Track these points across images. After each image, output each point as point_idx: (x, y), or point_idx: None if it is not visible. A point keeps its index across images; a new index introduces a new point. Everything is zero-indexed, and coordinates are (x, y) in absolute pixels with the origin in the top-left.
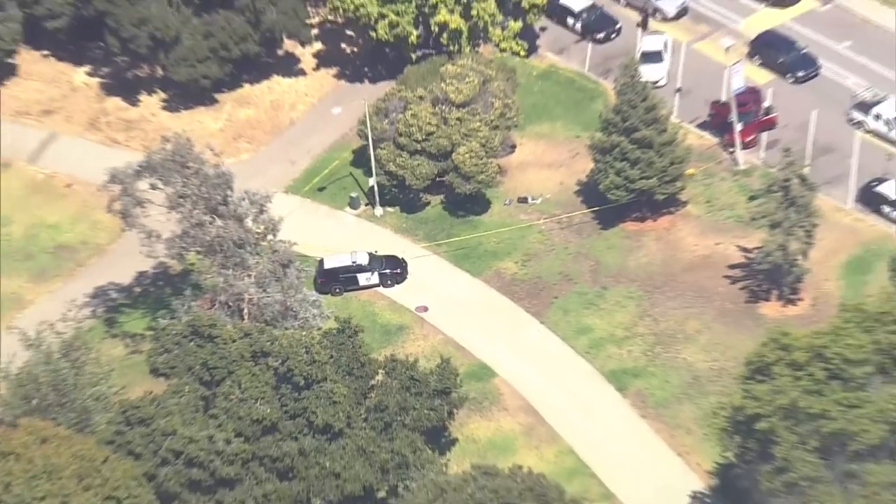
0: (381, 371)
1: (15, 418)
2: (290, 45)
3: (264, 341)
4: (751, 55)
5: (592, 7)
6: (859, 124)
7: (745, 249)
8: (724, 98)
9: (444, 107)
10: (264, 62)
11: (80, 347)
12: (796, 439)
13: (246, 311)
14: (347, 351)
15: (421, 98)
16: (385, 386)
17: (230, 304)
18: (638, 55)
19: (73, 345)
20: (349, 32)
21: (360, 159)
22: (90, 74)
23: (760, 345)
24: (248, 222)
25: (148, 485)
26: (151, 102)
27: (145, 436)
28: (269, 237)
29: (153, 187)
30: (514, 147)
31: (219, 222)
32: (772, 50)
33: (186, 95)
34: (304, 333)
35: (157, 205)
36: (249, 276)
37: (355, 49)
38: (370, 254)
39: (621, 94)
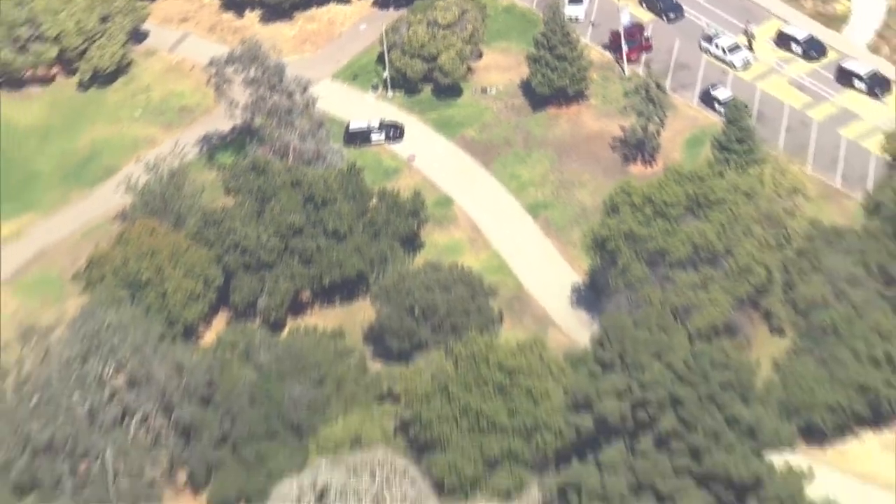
0: (374, 197)
1: (134, 218)
2: None
3: (299, 175)
4: (640, 2)
5: None
6: (706, 51)
7: (622, 129)
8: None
9: (434, 27)
10: None
11: (183, 173)
12: (632, 254)
13: (290, 155)
14: (353, 184)
15: (419, 21)
16: (376, 207)
17: (280, 150)
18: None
19: (179, 171)
20: None
21: (380, 60)
22: None
23: (612, 192)
24: (296, 97)
25: (216, 266)
26: (252, 16)
27: (217, 233)
28: (309, 107)
29: (236, 71)
30: (481, 55)
31: (275, 97)
32: None
33: (274, 13)
34: (326, 171)
35: (237, 83)
36: (294, 132)
37: None
38: (380, 120)
39: (546, 25)
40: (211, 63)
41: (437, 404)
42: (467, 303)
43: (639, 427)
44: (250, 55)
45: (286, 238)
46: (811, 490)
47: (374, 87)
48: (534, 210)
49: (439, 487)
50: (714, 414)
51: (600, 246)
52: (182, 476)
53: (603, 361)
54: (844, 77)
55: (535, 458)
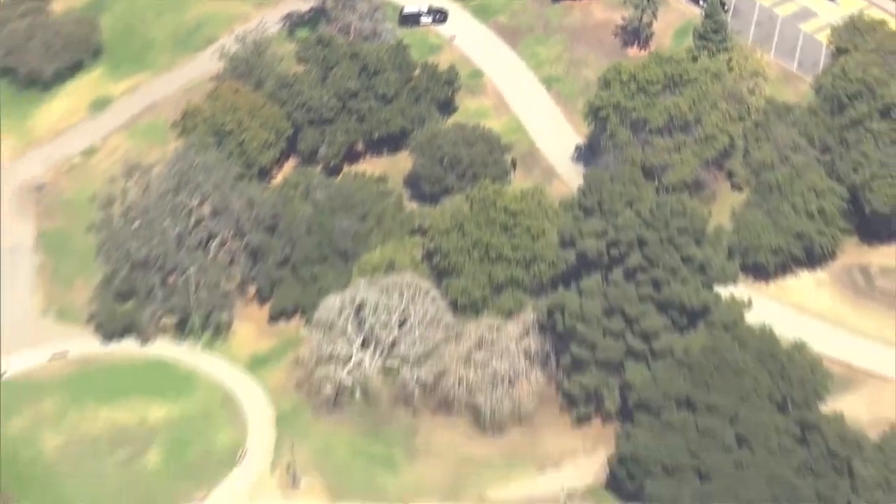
0: (418, 69)
1: (224, 80)
2: None
3: (357, 49)
4: None
5: None
6: None
7: (623, 19)
8: None
9: None
10: None
11: (266, 44)
12: (618, 121)
13: (351, 32)
14: (400, 57)
15: None
16: (419, 77)
17: (344, 28)
18: None
19: (262, 43)
20: None
21: None
22: None
23: (605, 70)
24: None
25: (286, 120)
26: None
27: (289, 94)
28: None
29: None
30: None
31: None
32: None
33: None
34: (379, 46)
35: None
36: (355, 13)
37: None
38: (429, 6)
39: None
40: None
41: (455, 238)
42: (486, 157)
43: (612, 262)
44: None
45: (344, 100)
46: (754, 317)
47: None
48: (548, 83)
49: (454, 306)
50: (672, 253)
51: (595, 114)
52: (251, 290)
53: (585, 208)
54: None
55: (532, 284)
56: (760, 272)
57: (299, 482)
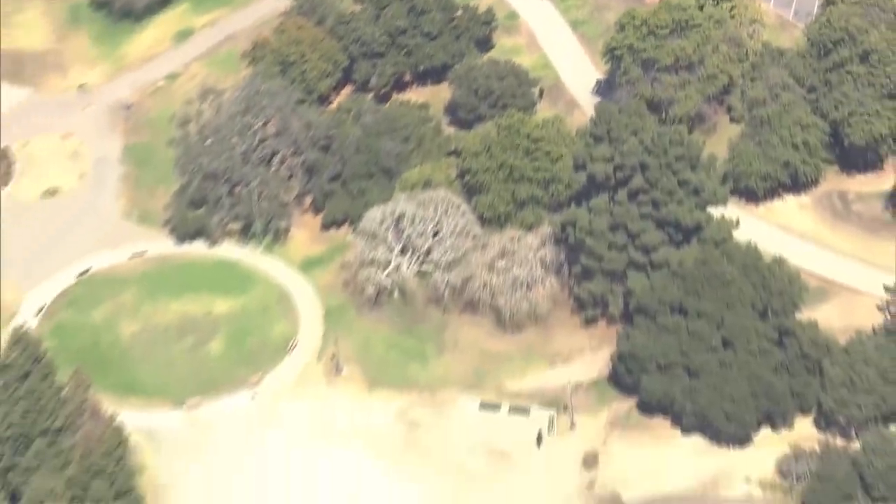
0: (459, 10)
1: (290, 16)
2: None
3: None
4: None
5: None
6: None
7: None
8: None
9: None
10: None
11: None
12: (631, 60)
13: None
14: None
15: None
16: (460, 17)
17: None
18: None
19: None
20: None
21: None
22: None
23: (620, 16)
24: None
25: (343, 53)
26: None
27: (346, 30)
28: None
29: None
30: None
31: None
32: None
33: None
34: None
35: None
36: None
37: None
38: None
39: None
40: None
41: (483, 160)
42: (515, 89)
43: (617, 184)
44: None
45: (394, 36)
46: (744, 234)
47: None
48: (574, 25)
49: (481, 219)
50: (670, 177)
51: (611, 53)
52: (306, 201)
53: (595, 136)
54: None
55: (550, 201)
56: (751, 196)
57: (342, 370)
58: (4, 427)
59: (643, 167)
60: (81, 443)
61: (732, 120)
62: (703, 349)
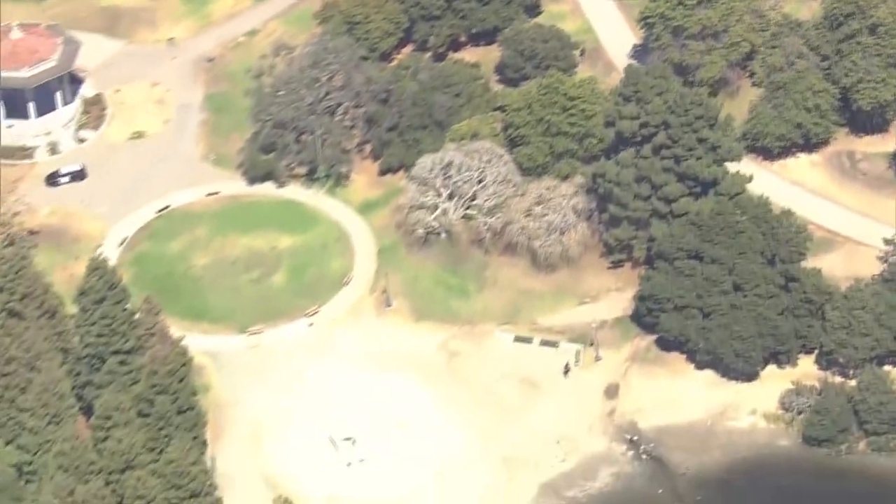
0: None
1: None
2: None
3: None
4: None
5: None
6: None
7: None
8: None
9: None
10: None
11: None
12: (662, 27)
13: None
14: None
15: None
16: None
17: None
18: None
19: None
20: None
21: None
22: None
23: None
24: None
25: (404, 15)
26: None
27: None
28: None
29: None
30: None
31: None
32: None
33: None
34: None
35: None
36: None
37: None
38: None
39: None
40: None
41: (525, 115)
42: (558, 52)
43: (643, 140)
44: None
45: (450, 1)
46: (759, 188)
47: None
48: None
49: (522, 169)
50: (690, 135)
51: (645, 21)
52: (366, 149)
53: (624, 96)
54: None
55: (584, 154)
56: (767, 153)
57: (391, 304)
58: (82, 347)
59: (666, 125)
60: (149, 363)
61: (754, 84)
62: (715, 292)
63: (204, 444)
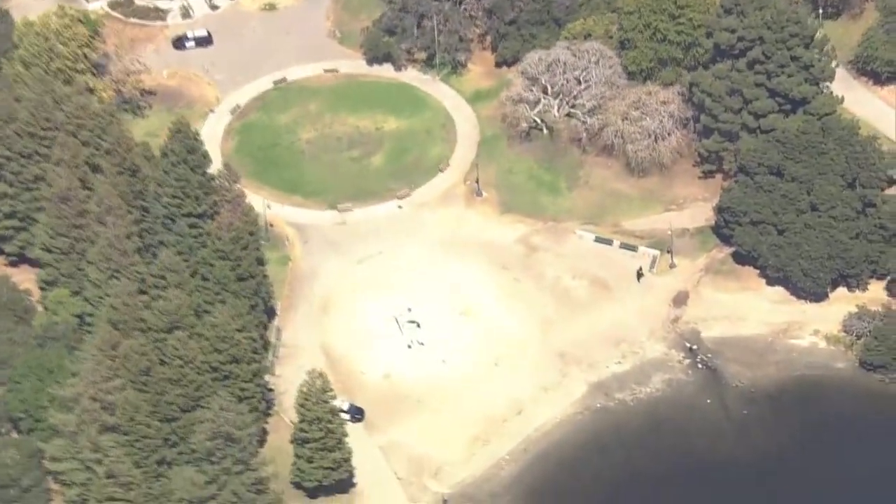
0: None
1: None
2: None
3: None
4: None
5: None
6: None
7: None
8: None
9: None
10: None
11: None
12: None
13: None
14: None
15: None
16: None
17: None
18: None
19: None
20: None
21: None
22: None
23: None
24: None
25: None
26: None
27: None
28: None
29: None
30: None
31: None
32: None
33: None
34: None
35: None
36: None
37: None
38: None
39: None
40: None
41: (635, 19)
42: None
43: (738, 54)
44: None
45: None
46: (861, 111)
47: None
48: None
49: (628, 73)
50: (784, 52)
51: None
52: (485, 41)
53: (725, 7)
54: None
55: (688, 63)
56: (876, 78)
57: (481, 194)
58: (159, 206)
59: (761, 40)
60: (215, 228)
61: (876, 9)
62: (792, 210)
63: (269, 312)
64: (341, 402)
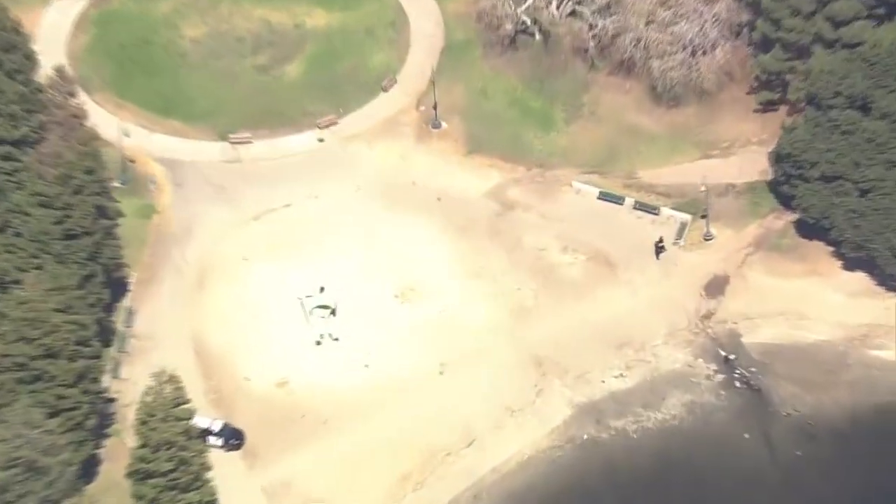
0: None
1: None
2: None
3: None
4: None
5: None
6: None
7: None
8: None
9: None
10: None
11: None
12: None
13: None
14: None
15: None
16: None
17: None
18: None
19: None
20: None
21: None
22: None
23: None
24: None
25: None
26: None
27: None
28: None
29: None
30: None
31: None
32: None
33: None
34: None
35: None
36: None
37: None
38: None
39: None
40: None
41: None
42: None
43: None
44: None
45: None
46: None
47: None
48: None
49: None
50: None
51: None
52: None
53: None
54: None
55: None
56: None
57: (440, 125)
58: None
59: None
60: (35, 162)
61: None
62: (880, 161)
63: (116, 287)
64: (210, 421)
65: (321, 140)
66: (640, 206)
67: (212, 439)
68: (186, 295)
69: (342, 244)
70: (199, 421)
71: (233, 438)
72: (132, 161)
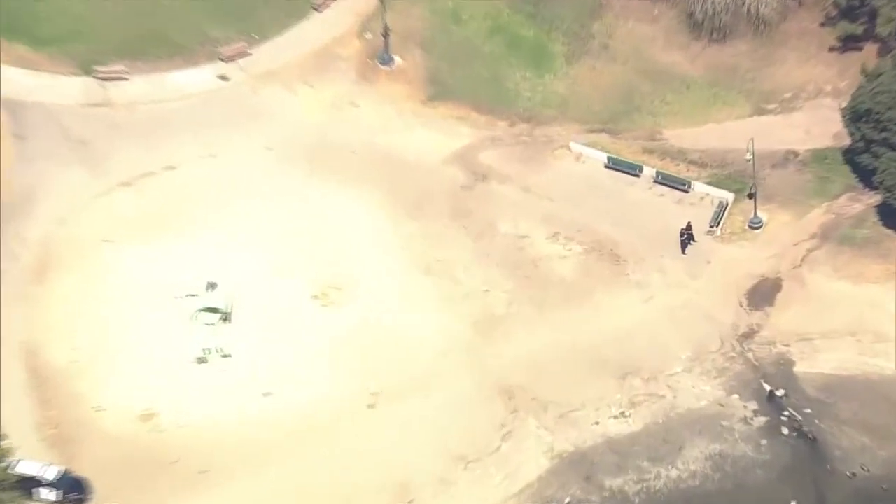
0: None
1: None
2: None
3: None
4: None
5: None
6: None
7: None
8: None
9: None
10: None
11: None
12: None
13: None
14: None
15: None
16: None
17: None
18: None
19: None
20: None
21: None
22: None
23: None
24: None
25: None
26: None
27: None
28: None
29: None
30: None
31: None
32: None
33: None
34: None
35: None
36: None
37: None
38: None
39: None
40: None
41: None
42: None
43: None
44: None
45: None
46: None
47: None
48: None
49: None
50: None
51: None
52: None
53: None
54: None
55: None
56: None
57: (390, 61)
58: None
59: None
60: None
61: None
62: None
63: None
64: (42, 467)
65: (224, 78)
66: (664, 179)
67: (43, 492)
68: (19, 289)
69: (244, 224)
70: (24, 466)
71: (73, 492)
72: None
